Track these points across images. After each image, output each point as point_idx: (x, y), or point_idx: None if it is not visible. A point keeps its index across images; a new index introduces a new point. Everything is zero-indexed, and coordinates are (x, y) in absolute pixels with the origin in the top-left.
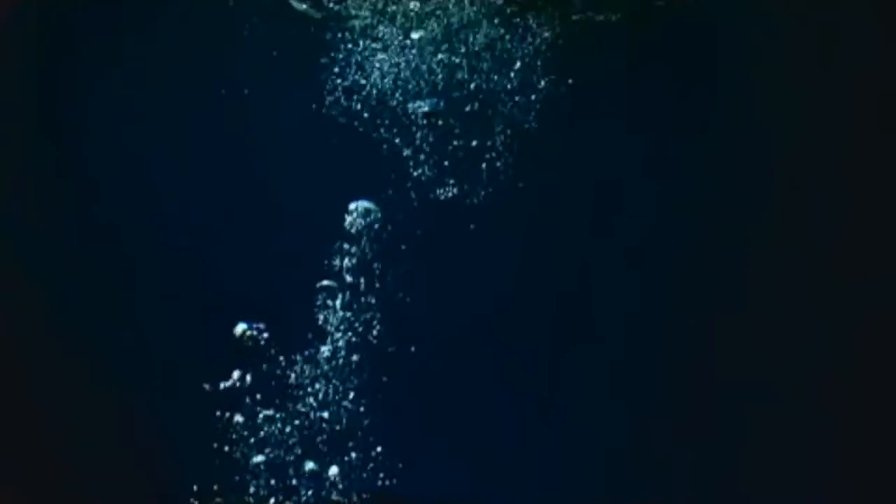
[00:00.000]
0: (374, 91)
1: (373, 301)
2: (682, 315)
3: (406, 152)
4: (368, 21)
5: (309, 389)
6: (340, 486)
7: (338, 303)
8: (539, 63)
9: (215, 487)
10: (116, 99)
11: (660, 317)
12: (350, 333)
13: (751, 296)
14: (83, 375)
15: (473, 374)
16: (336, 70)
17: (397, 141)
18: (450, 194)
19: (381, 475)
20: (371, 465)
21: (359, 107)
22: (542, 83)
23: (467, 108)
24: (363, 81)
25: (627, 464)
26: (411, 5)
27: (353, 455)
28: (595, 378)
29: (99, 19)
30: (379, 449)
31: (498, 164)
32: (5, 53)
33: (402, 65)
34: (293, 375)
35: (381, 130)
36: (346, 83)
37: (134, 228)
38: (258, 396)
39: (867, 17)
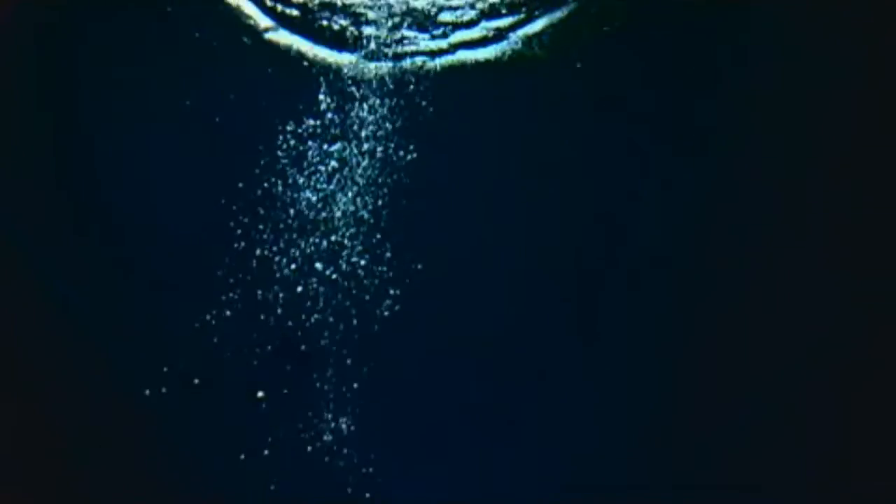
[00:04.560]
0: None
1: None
2: (681, 316)
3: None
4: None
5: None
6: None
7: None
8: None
9: (213, 487)
10: (117, 99)
11: (660, 317)
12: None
13: (754, 297)
14: (82, 375)
15: (470, 374)
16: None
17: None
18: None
19: (379, 476)
20: (369, 465)
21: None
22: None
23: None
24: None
25: (626, 464)
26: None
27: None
28: (594, 378)
29: (99, 19)
30: (375, 451)
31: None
32: (5, 54)
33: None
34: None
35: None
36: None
37: (134, 227)
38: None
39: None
